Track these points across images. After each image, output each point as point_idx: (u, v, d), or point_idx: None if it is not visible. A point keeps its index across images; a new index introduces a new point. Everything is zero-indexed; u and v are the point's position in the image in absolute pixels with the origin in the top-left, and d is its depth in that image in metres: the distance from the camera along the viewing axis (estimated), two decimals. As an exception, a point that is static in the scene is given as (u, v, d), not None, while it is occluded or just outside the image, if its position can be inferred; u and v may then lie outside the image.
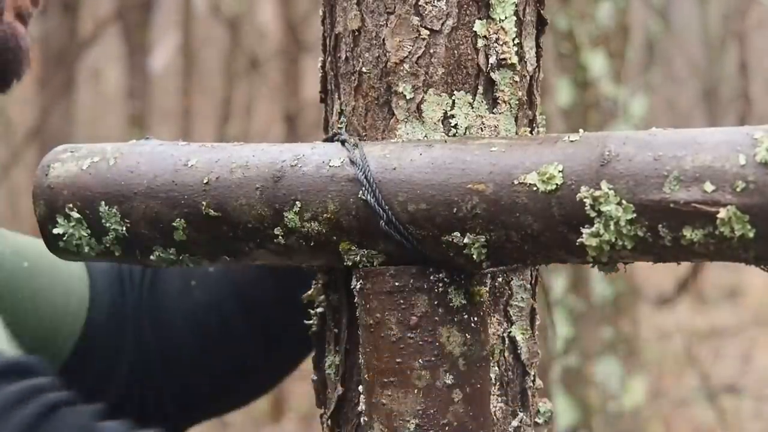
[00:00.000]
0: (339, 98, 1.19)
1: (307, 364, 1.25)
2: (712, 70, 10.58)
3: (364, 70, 1.17)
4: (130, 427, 1.09)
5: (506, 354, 1.17)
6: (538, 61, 1.19)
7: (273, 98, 9.43)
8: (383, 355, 1.09)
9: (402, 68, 1.15)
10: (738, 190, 0.95)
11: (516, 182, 1.03)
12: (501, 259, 1.07)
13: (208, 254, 1.17)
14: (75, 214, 1.19)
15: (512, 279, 1.17)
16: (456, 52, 1.15)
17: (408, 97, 1.15)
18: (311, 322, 1.22)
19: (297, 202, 1.10)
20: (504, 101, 1.16)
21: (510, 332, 1.17)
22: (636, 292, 5.30)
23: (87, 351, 1.39)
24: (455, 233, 1.06)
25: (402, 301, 1.08)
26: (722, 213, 0.96)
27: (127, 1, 8.78)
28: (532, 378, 1.19)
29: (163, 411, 1.41)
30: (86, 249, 1.20)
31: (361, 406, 1.13)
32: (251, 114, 10.28)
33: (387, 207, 1.07)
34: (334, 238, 1.10)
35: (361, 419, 1.13)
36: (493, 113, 1.15)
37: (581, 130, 1.05)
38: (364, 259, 1.10)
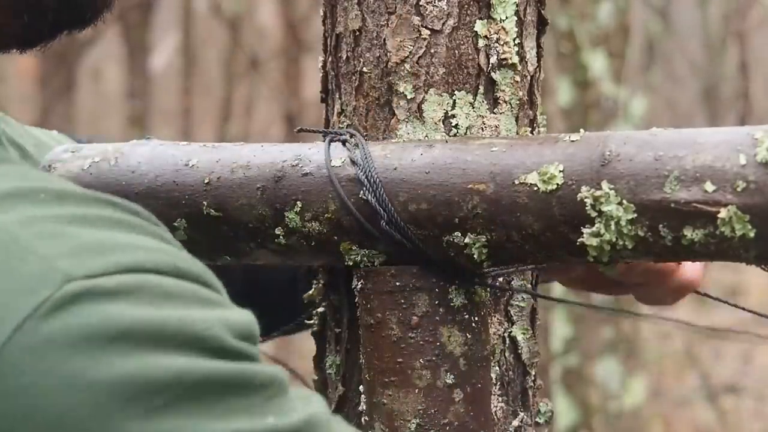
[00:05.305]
0: (340, 98, 1.19)
1: (308, 364, 1.24)
2: (712, 70, 10.58)
3: (364, 70, 1.17)
4: None
5: (507, 354, 1.17)
6: (538, 61, 1.19)
7: (273, 98, 9.43)
8: (384, 355, 1.09)
9: (403, 68, 1.15)
10: (738, 189, 0.95)
11: (516, 182, 1.03)
12: (502, 259, 1.07)
13: (208, 254, 1.17)
14: (76, 214, 1.19)
15: (513, 279, 1.17)
16: (457, 52, 1.15)
17: (409, 97, 1.15)
18: (312, 321, 1.23)
19: (298, 202, 1.10)
20: (505, 101, 1.16)
21: (511, 332, 1.17)
22: (636, 292, 5.29)
23: None
24: (456, 233, 1.06)
25: (403, 301, 1.08)
26: (723, 213, 0.96)
27: (127, 1, 8.78)
28: (533, 378, 1.19)
29: None
30: (87, 249, 1.20)
31: (362, 406, 1.13)
32: (251, 114, 10.28)
33: (388, 207, 1.07)
34: (335, 237, 1.10)
35: (362, 419, 1.13)
36: (493, 113, 1.15)
37: (582, 130, 1.05)
38: (365, 258, 1.10)
